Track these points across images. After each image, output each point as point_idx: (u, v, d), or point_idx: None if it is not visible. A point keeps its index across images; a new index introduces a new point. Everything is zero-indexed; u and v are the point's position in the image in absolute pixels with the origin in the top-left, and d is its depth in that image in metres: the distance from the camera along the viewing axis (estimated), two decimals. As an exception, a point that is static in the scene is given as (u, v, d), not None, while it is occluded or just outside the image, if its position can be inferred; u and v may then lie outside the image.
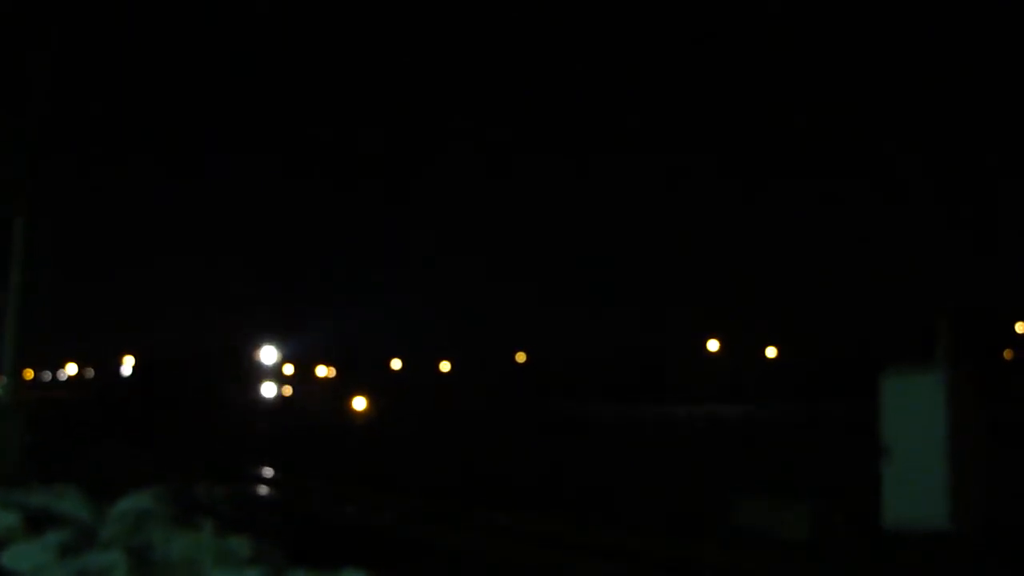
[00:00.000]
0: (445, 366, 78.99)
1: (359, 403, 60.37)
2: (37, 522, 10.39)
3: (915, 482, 11.73)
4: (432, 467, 23.24)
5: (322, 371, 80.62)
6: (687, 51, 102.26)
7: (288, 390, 72.86)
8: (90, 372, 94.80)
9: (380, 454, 28.56)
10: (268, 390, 70.02)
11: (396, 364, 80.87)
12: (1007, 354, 55.07)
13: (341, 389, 67.42)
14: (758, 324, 66.81)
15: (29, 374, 76.77)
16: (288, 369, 75.43)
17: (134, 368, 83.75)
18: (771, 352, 66.93)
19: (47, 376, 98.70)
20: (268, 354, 69.40)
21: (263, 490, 18.34)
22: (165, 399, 64.23)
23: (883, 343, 43.81)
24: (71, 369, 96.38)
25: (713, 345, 67.32)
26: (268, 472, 22.00)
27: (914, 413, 11.92)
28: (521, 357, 76.68)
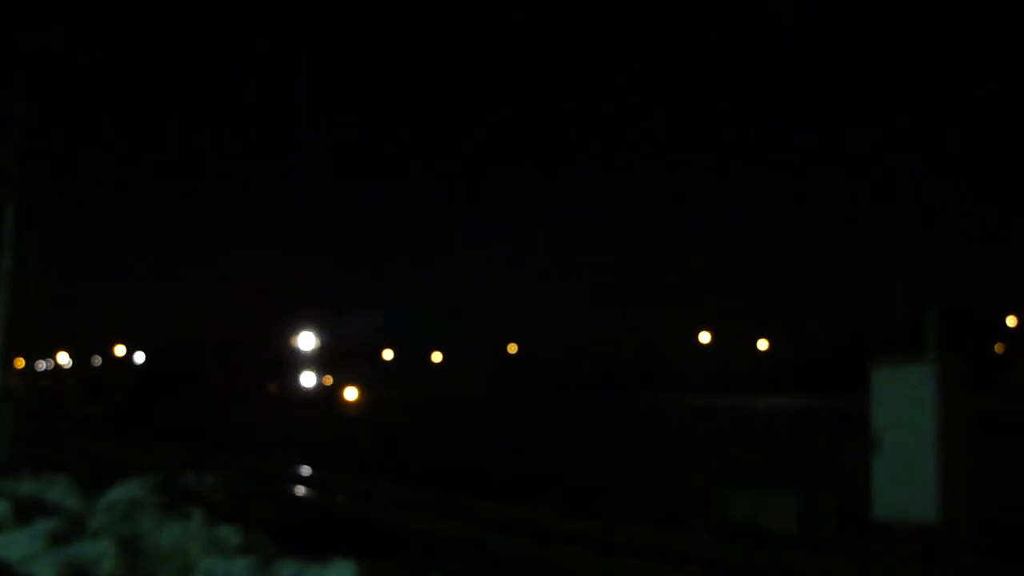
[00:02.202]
0: (437, 357, 78.94)
1: (351, 393, 60.26)
2: (27, 511, 10.37)
3: (904, 474, 11.76)
4: (422, 456, 23.26)
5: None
6: (681, 47, 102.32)
7: (330, 379, 66.85)
8: (97, 360, 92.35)
9: (372, 444, 28.56)
10: (307, 379, 64.51)
11: (388, 355, 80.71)
12: (998, 348, 55.23)
13: (334, 379, 66.74)
14: (750, 318, 66.88)
15: (20, 362, 76.13)
16: (330, 356, 68.68)
17: (148, 356, 79.99)
18: (762, 345, 66.97)
19: (44, 364, 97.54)
20: (306, 340, 63.10)
21: (254, 480, 18.29)
22: (180, 387, 61.93)
23: (874, 337, 43.92)
24: (63, 358, 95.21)
25: (704, 337, 67.29)
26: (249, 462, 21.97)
27: (904, 405, 11.95)
28: (512, 348, 76.64)
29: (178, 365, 71.32)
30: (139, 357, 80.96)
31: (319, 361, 65.08)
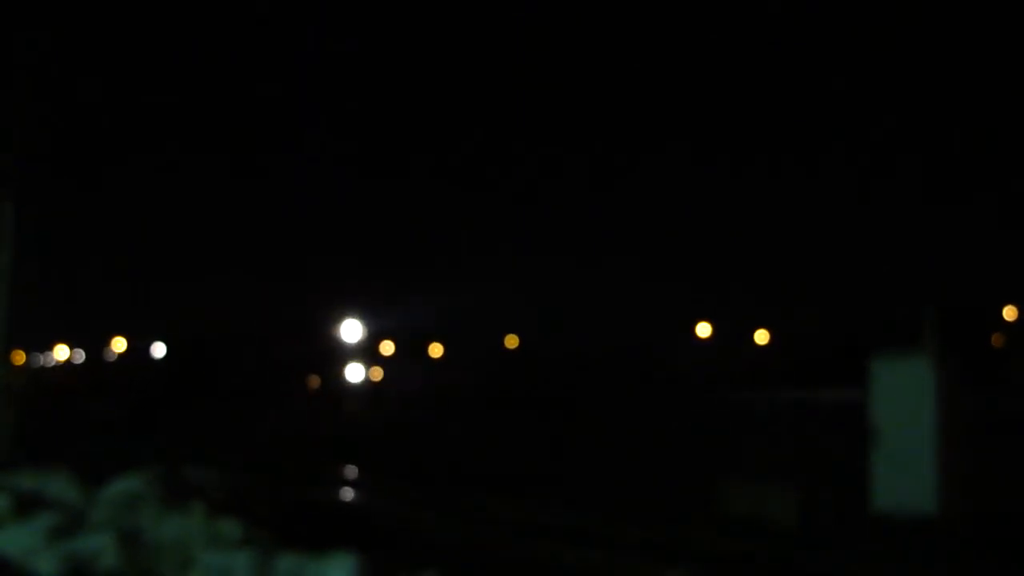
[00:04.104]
0: (436, 351, 78.78)
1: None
2: (27, 505, 10.39)
3: (904, 467, 11.79)
4: (422, 453, 23.29)
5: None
6: (681, 40, 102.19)
7: (378, 373, 62.88)
8: (112, 354, 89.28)
9: (369, 441, 28.57)
10: (353, 373, 58.83)
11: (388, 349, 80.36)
12: (996, 340, 55.29)
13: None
14: (748, 311, 66.87)
15: (20, 358, 75.48)
16: (384, 348, 63.77)
17: (171, 349, 76.70)
18: (762, 338, 66.99)
19: (53, 359, 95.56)
20: (351, 330, 57.25)
21: (253, 474, 18.32)
22: (208, 383, 59.94)
23: (873, 330, 43.93)
24: (75, 353, 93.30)
25: (704, 331, 67.25)
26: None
27: (903, 399, 11.98)
28: (512, 342, 76.44)
29: (204, 359, 68.82)
30: (159, 351, 77.54)
31: (366, 353, 61.74)
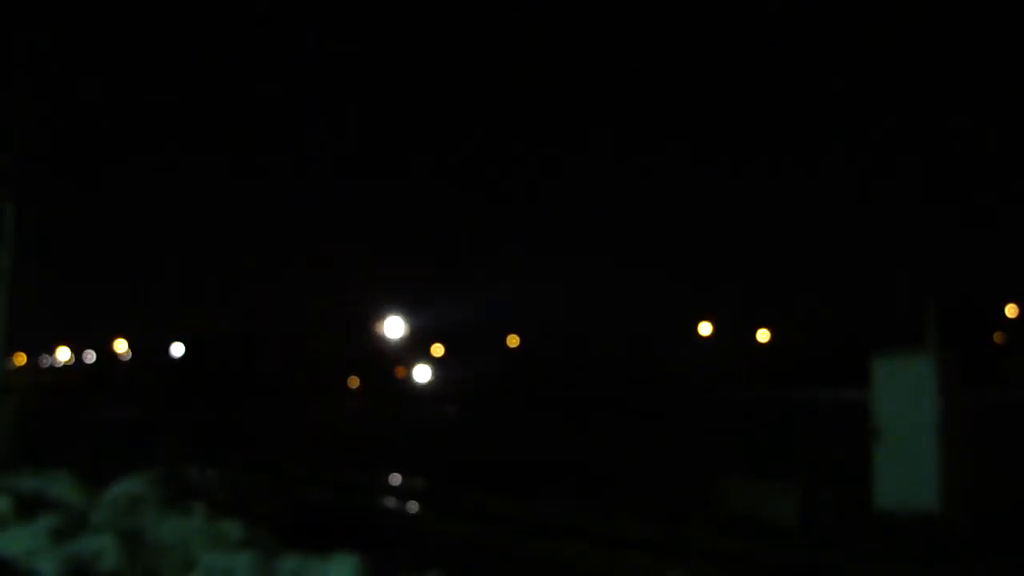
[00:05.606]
0: (438, 350, 78.77)
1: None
2: (28, 506, 10.39)
3: (906, 465, 11.79)
4: (422, 452, 23.30)
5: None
6: (681, 39, 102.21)
7: (425, 372, 61.34)
8: (124, 352, 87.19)
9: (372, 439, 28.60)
10: (401, 372, 58.54)
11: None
12: (997, 338, 55.33)
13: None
14: (749, 308, 66.87)
15: (21, 359, 75.55)
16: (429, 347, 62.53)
17: (188, 348, 72.85)
18: (763, 337, 66.98)
19: (59, 359, 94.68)
20: (393, 327, 54.98)
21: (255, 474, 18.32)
22: (234, 383, 58.94)
23: (874, 327, 43.95)
24: (63, 353, 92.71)
25: (705, 330, 67.25)
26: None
27: (905, 396, 11.98)
28: (513, 342, 76.43)
29: (228, 358, 67.18)
30: (176, 350, 74.68)
31: (409, 351, 59.70)
